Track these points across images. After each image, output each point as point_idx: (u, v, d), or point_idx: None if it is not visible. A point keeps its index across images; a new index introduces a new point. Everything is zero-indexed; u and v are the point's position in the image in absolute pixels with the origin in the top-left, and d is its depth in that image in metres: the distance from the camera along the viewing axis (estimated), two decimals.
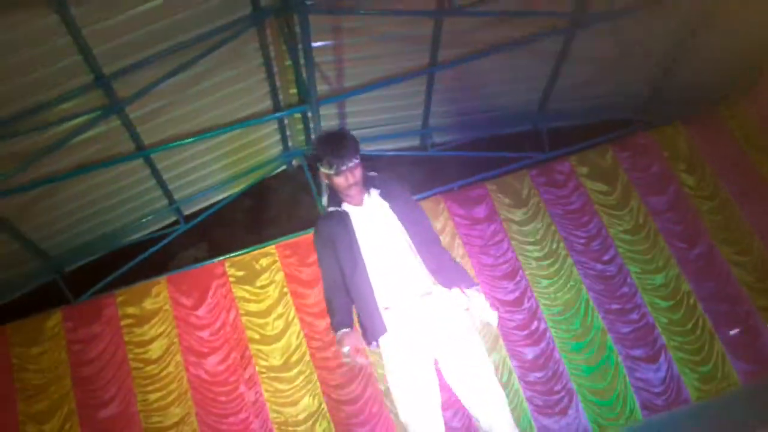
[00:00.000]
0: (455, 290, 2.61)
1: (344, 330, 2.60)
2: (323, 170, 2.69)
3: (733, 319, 6.52)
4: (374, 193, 2.74)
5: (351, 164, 2.64)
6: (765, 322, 6.49)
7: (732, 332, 6.43)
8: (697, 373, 6.28)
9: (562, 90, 7.27)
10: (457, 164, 8.01)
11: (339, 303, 2.66)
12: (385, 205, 2.72)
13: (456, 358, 2.59)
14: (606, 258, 6.83)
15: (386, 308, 2.62)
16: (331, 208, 2.77)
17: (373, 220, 2.69)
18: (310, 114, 6.37)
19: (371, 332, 2.60)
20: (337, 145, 2.65)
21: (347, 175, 2.65)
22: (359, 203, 2.72)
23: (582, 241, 6.93)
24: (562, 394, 6.19)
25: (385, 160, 7.85)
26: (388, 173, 2.93)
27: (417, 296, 2.62)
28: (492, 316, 2.59)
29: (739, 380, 6.26)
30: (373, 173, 2.80)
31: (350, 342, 2.56)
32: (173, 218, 7.37)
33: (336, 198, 2.76)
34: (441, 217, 7.07)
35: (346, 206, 2.73)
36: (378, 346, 2.62)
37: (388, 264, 2.64)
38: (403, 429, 2.61)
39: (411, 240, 2.66)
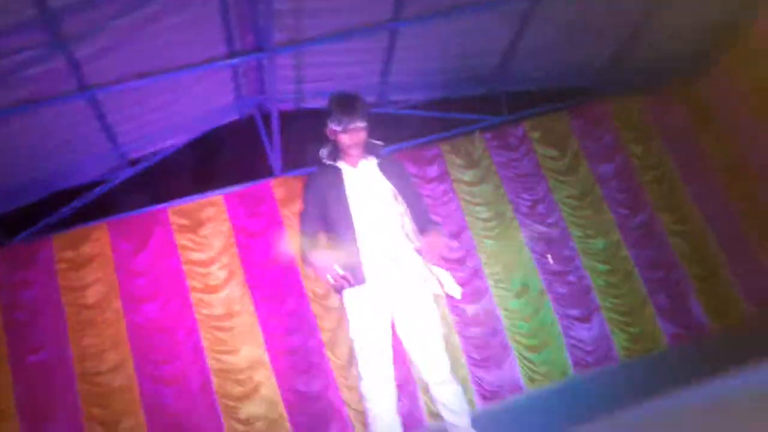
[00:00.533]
0: (426, 265, 2.82)
1: (319, 254, 2.78)
2: (331, 126, 2.86)
3: (666, 284, 6.77)
4: (372, 160, 2.92)
5: (359, 125, 2.83)
6: (695, 289, 6.76)
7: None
8: (626, 333, 6.53)
9: (523, 53, 7.24)
10: (413, 123, 7.97)
11: (309, 243, 2.84)
12: (380, 175, 2.89)
13: (411, 319, 2.79)
14: (550, 221, 6.98)
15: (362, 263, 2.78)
16: (327, 162, 2.92)
17: (364, 184, 2.86)
18: (265, 62, 6.23)
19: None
20: (348, 104, 2.88)
21: (352, 134, 2.84)
22: (354, 165, 2.90)
23: (528, 203, 7.05)
24: (499, 349, 6.37)
25: None
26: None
27: (391, 259, 2.79)
28: (456, 290, 2.83)
29: (666, 342, 6.55)
30: (379, 142, 2.97)
31: (331, 258, 2.74)
32: (117, 163, 7.14)
33: (335, 153, 2.92)
34: None
35: (341, 164, 2.90)
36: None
37: (369, 224, 2.80)
38: (347, 373, 2.76)
39: (403, 217, 2.83)
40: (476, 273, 6.66)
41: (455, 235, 6.83)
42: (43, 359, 5.81)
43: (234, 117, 7.73)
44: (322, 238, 2.88)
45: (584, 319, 6.56)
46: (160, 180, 7.51)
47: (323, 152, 2.94)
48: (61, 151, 6.51)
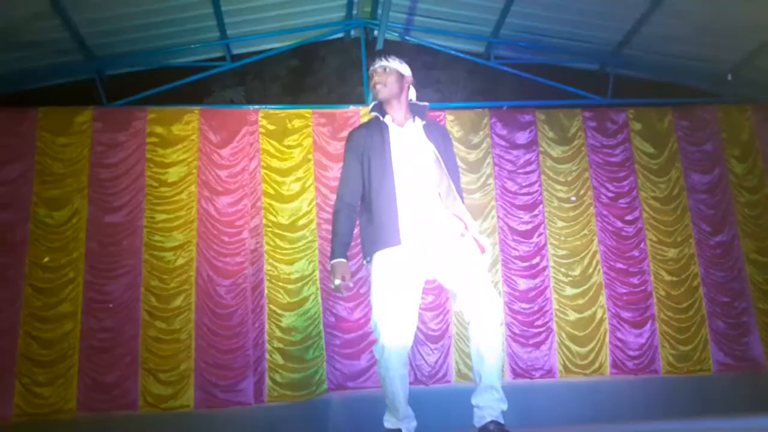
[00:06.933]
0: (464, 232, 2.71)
1: (340, 260, 2.67)
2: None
3: (728, 311, 6.56)
4: (418, 122, 2.80)
5: (380, 65, 2.74)
6: (758, 323, 6.53)
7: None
8: (675, 350, 6.40)
9: (643, 38, 6.89)
10: (514, 84, 7.79)
11: (345, 224, 2.72)
12: (425, 137, 2.77)
13: (455, 262, 2.63)
14: (629, 218, 6.80)
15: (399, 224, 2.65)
16: (373, 113, 2.83)
17: (408, 143, 2.74)
18: None
19: (383, 241, 2.62)
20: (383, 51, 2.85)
21: (374, 74, 2.75)
22: (401, 124, 2.78)
23: (611, 195, 6.86)
24: (541, 330, 6.36)
25: (444, 58, 7.60)
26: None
27: (428, 219, 2.67)
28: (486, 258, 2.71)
29: (712, 368, 6.40)
30: (424, 103, 2.84)
31: (342, 272, 2.65)
32: (219, 54, 7.27)
33: (381, 108, 2.82)
34: (481, 132, 6.96)
35: (388, 119, 2.79)
36: (370, 261, 2.67)
37: (409, 183, 2.69)
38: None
39: (441, 182, 2.73)
40: (539, 250, 6.58)
41: (528, 208, 6.74)
42: (117, 221, 6.14)
43: (339, 35, 7.69)
44: (358, 216, 2.74)
45: (636, 324, 6.44)
46: (255, 80, 7.65)
47: (372, 106, 2.84)
48: (174, 28, 6.66)
